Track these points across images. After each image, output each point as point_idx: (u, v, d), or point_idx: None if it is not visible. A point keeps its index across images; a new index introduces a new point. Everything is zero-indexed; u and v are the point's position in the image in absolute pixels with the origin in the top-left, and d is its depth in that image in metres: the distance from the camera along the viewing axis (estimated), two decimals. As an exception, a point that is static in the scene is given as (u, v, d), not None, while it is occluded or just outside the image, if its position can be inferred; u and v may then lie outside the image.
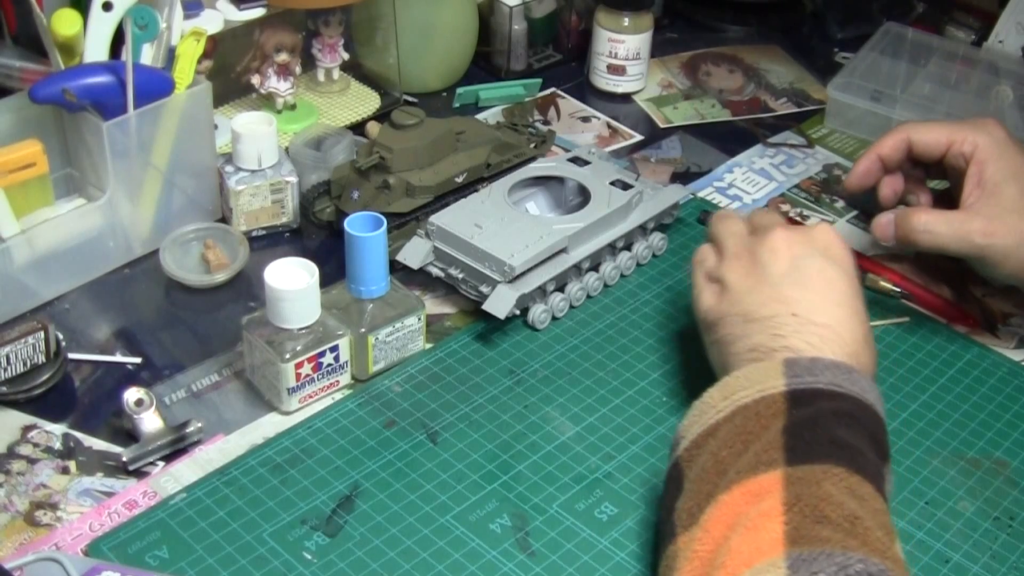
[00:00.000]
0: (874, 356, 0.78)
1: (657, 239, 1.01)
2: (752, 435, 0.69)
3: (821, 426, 0.69)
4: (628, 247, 0.99)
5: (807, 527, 0.63)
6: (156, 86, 0.94)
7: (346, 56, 1.17)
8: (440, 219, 0.94)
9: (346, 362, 0.86)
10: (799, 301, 0.77)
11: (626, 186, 0.99)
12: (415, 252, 0.94)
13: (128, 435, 0.83)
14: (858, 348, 0.76)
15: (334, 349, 0.85)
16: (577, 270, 0.95)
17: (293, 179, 1.00)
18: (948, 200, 0.97)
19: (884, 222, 0.95)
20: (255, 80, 1.12)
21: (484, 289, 0.91)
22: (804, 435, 0.68)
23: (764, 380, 0.72)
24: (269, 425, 0.85)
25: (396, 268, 0.98)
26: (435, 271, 0.94)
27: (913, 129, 0.97)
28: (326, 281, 0.85)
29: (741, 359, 0.77)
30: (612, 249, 0.98)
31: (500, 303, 0.90)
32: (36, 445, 0.82)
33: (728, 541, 0.64)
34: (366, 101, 1.19)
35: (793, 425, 0.68)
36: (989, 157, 0.92)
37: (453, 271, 0.93)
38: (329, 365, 0.85)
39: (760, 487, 0.66)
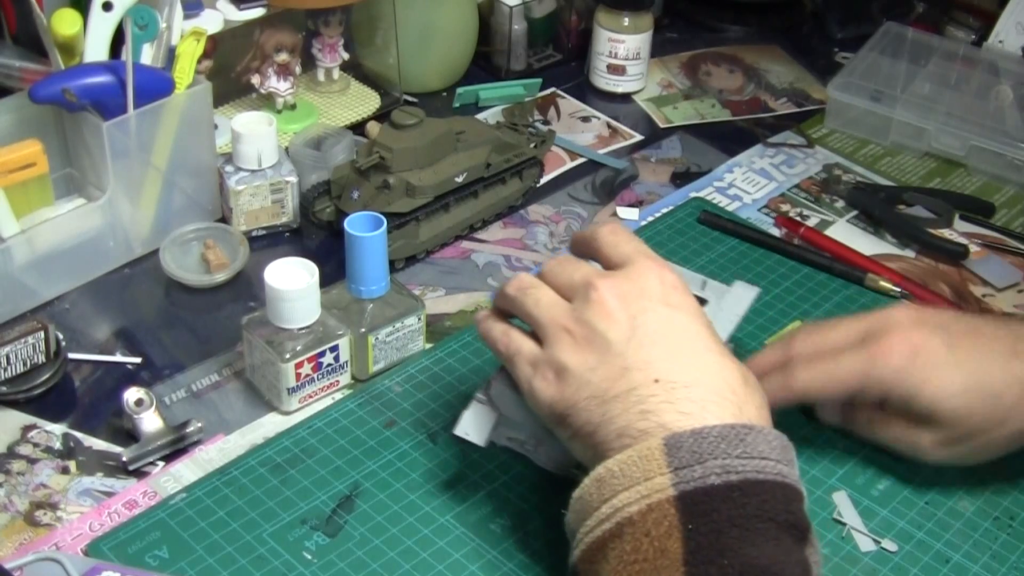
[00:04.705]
0: (759, 395, 0.68)
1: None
2: (648, 562, 0.61)
3: (728, 549, 0.60)
4: None
5: None
6: (156, 86, 0.94)
7: (346, 56, 1.17)
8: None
9: (346, 362, 0.86)
10: (656, 363, 0.66)
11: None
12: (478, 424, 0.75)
13: (128, 435, 0.83)
14: (739, 397, 0.66)
15: (334, 349, 0.85)
16: None
17: (293, 179, 1.00)
18: None
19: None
20: (255, 80, 1.12)
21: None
22: (711, 570, 0.59)
23: (645, 474, 0.62)
24: (269, 425, 0.85)
25: (396, 268, 0.98)
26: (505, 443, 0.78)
27: (807, 385, 0.78)
28: (326, 281, 0.85)
29: (610, 447, 0.65)
30: None
31: (476, 425, 0.75)
32: (36, 445, 0.82)
33: None
34: (366, 101, 1.19)
35: (695, 551, 0.60)
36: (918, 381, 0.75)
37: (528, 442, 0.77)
38: (329, 365, 0.85)
39: None
